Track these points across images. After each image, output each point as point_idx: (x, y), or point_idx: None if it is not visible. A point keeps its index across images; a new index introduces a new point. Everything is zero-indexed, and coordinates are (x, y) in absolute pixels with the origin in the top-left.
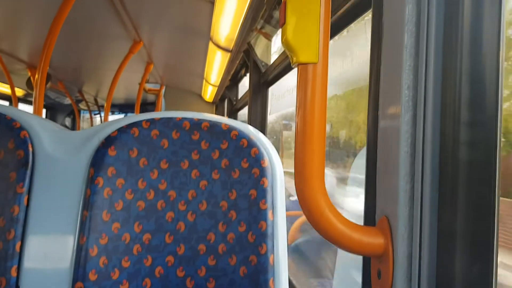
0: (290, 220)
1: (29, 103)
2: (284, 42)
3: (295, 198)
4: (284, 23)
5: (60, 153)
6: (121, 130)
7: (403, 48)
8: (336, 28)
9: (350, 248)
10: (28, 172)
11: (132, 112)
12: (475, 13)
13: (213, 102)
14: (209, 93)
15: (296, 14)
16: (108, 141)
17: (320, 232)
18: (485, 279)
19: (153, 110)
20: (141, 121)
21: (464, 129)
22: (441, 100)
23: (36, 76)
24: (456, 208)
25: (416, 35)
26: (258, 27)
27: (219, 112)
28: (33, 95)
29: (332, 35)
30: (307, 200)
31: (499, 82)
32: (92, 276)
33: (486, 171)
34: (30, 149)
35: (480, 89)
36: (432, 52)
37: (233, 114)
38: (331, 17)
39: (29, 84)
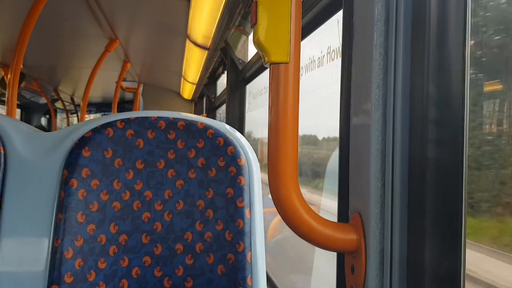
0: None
1: (4, 103)
2: (256, 42)
3: None
4: (255, 23)
5: (33, 155)
6: (95, 131)
7: (373, 47)
8: (308, 28)
9: (324, 245)
10: (0, 174)
11: (110, 110)
12: (442, 13)
13: (191, 100)
14: (187, 90)
15: (267, 14)
16: (82, 142)
17: (293, 229)
18: (453, 273)
19: (131, 109)
20: (115, 121)
21: (432, 127)
22: (410, 98)
23: (9, 75)
24: (425, 204)
25: (385, 34)
26: (236, 24)
27: (198, 109)
28: (6, 95)
29: (304, 36)
30: (281, 198)
31: (466, 80)
32: (68, 279)
33: (453, 168)
34: (2, 151)
35: (447, 87)
36: (400, 51)
37: (211, 112)
38: (302, 17)
39: (2, 83)
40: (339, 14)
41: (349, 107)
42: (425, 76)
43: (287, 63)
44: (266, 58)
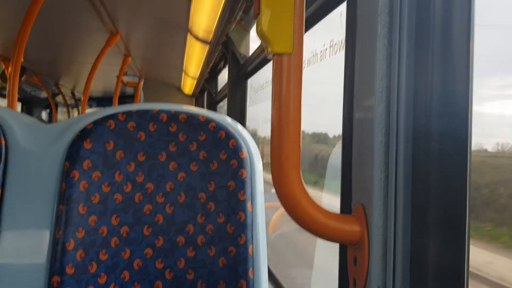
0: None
1: (5, 96)
2: (259, 32)
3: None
4: (258, 13)
5: (35, 147)
6: (96, 123)
7: (377, 39)
8: (312, 20)
9: (326, 236)
10: (1, 166)
11: (110, 105)
12: (447, 3)
13: (192, 95)
14: (188, 85)
15: (271, 4)
16: (84, 134)
17: (296, 221)
18: (457, 265)
19: (131, 103)
20: (117, 113)
21: (436, 119)
22: (414, 90)
23: (10, 68)
24: (429, 196)
25: (389, 26)
26: (237, 18)
27: (199, 104)
28: (7, 89)
29: (308, 26)
30: (284, 189)
31: (470, 72)
32: (69, 270)
33: (457, 160)
34: (3, 142)
35: (452, 79)
36: (404, 43)
37: (212, 107)
38: (306, 8)
39: (3, 77)
40: (343, 6)
41: (352, 99)
42: (429, 68)
43: (290, 53)
44: (269, 49)
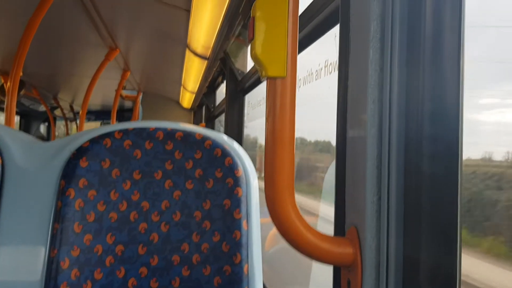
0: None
1: (3, 110)
2: (253, 56)
3: None
4: (252, 38)
5: (31, 165)
6: (93, 141)
7: (369, 63)
8: (305, 42)
9: (319, 258)
10: None
11: (109, 119)
12: (437, 31)
13: (191, 109)
14: (187, 99)
15: (264, 29)
16: (80, 152)
17: (289, 242)
18: (451, 286)
19: (130, 117)
20: (113, 131)
21: (427, 142)
22: (405, 114)
23: (9, 83)
24: (421, 219)
25: (380, 51)
26: (235, 34)
27: (197, 118)
28: (5, 103)
29: (301, 50)
30: (277, 210)
31: (460, 96)
32: None
33: (449, 182)
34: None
35: (442, 103)
36: (396, 68)
37: (211, 121)
38: (299, 32)
39: (1, 91)
40: (337, 28)
41: (345, 121)
42: (420, 92)
43: (284, 77)
44: (263, 72)
